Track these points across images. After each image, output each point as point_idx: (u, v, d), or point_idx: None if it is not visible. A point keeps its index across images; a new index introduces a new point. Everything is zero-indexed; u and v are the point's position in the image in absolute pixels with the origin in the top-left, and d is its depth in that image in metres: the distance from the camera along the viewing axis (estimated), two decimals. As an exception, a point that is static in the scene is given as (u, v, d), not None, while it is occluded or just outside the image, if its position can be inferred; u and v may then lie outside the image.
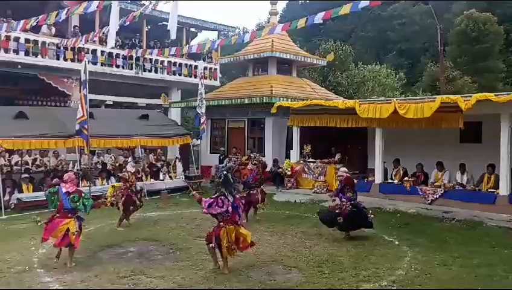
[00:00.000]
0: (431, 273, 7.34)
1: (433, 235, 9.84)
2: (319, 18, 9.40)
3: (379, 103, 13.65)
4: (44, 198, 8.45)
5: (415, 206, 12.42)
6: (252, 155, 12.65)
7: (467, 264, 7.79)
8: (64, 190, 7.87)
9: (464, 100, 11.49)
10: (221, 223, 7.33)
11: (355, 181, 10.19)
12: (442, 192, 12.64)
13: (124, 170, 11.89)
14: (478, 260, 7.99)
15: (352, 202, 9.47)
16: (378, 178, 14.13)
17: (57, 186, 8.09)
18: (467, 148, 13.27)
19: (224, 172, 7.71)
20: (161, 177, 16.53)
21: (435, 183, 13.08)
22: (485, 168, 12.32)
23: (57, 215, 7.87)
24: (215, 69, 24.61)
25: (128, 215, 11.09)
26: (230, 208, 7.28)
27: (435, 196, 12.71)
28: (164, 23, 23.16)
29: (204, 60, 23.33)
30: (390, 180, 14.21)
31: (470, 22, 36.12)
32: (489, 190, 12.03)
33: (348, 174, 9.76)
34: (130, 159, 14.90)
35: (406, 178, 13.55)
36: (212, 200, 7.30)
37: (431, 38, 39.29)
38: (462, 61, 35.98)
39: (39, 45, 18.23)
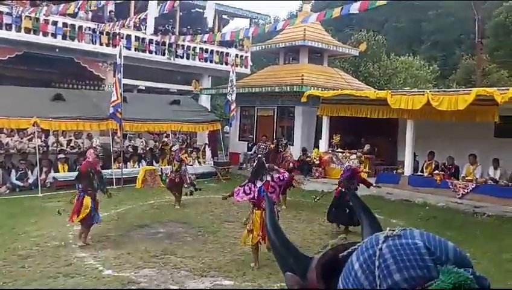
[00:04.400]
0: (459, 266, 7.29)
1: (462, 229, 9.74)
2: (355, 8, 9.31)
3: (411, 94, 13.47)
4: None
5: (444, 199, 12.27)
6: (282, 142, 12.71)
7: (497, 259, 7.70)
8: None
9: (501, 93, 11.23)
10: (253, 209, 7.37)
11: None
12: (473, 187, 12.42)
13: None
14: (509, 255, 7.89)
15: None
16: (407, 170, 13.99)
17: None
18: (501, 143, 12.97)
19: (259, 157, 7.78)
20: (190, 162, 16.79)
21: (467, 178, 12.86)
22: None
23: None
24: (246, 56, 24.64)
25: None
26: (256, 194, 7.31)
27: (466, 191, 12.51)
28: (197, 9, 23.37)
29: (235, 48, 23.43)
30: (420, 173, 14.05)
31: (509, 14, 34.90)
32: (522, 186, 11.78)
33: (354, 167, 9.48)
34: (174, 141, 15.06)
35: (436, 171, 13.38)
36: (238, 188, 7.35)
37: (467, 30, 38.18)
38: (499, 54, 34.88)
39: (76, 29, 18.65)
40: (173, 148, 12.34)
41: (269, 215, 0.98)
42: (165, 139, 14.70)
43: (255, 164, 7.60)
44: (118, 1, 12.60)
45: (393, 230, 0.67)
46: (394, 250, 0.64)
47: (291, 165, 11.80)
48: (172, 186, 11.42)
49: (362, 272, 0.65)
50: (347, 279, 0.68)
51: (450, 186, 12.79)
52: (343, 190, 9.15)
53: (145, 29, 12.84)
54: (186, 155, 11.74)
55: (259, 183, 7.34)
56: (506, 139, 12.99)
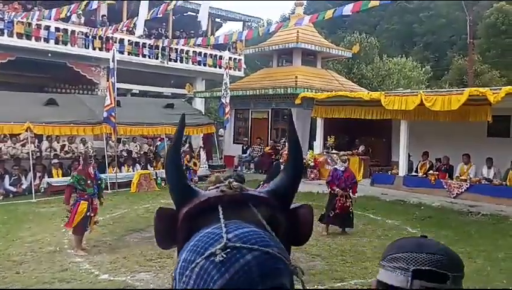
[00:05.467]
0: (455, 265, 7.31)
1: (457, 228, 9.78)
2: (347, 10, 9.36)
3: (405, 95, 13.55)
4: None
5: (439, 199, 12.33)
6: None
7: (492, 258, 7.74)
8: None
9: (493, 93, 11.32)
10: None
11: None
12: (467, 186, 12.49)
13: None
14: (503, 253, 7.93)
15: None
16: (402, 171, 14.04)
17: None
18: (495, 142, 13.06)
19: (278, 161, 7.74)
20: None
21: (461, 177, 12.93)
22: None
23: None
24: (240, 59, 24.65)
25: None
26: None
27: (460, 190, 12.58)
28: (190, 13, 23.36)
29: (229, 51, 23.44)
30: (414, 173, 14.11)
31: (499, 15, 35.22)
32: (516, 185, 11.86)
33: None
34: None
35: (430, 171, 13.44)
36: None
37: (458, 32, 38.48)
38: (490, 55, 35.19)
39: (69, 33, 18.57)
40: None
41: (176, 137, 0.94)
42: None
43: (272, 167, 7.52)
44: (111, 1, 12.51)
45: (227, 249, 0.65)
46: (199, 274, 0.64)
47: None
48: None
49: (179, 269, 0.68)
50: (180, 257, 0.70)
51: (445, 186, 12.85)
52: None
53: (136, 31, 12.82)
54: (188, 158, 11.66)
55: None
56: (499, 139, 13.10)
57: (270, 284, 0.64)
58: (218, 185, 0.83)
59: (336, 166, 9.46)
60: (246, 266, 0.63)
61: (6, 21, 16.67)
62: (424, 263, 0.93)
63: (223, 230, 0.69)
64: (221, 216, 0.73)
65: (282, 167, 6.66)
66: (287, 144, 11.85)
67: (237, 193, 0.79)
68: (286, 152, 11.40)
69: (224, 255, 0.64)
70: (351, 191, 9.18)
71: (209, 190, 0.83)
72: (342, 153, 9.87)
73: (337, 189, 8.99)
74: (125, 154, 16.36)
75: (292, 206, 0.84)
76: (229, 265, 0.63)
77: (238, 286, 0.62)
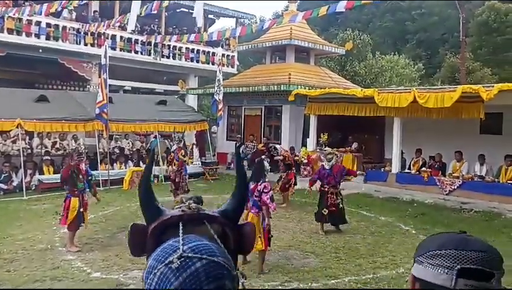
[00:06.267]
0: (449, 262, 7.33)
1: (450, 225, 9.81)
2: (341, 6, 9.32)
3: (398, 92, 13.55)
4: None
5: (432, 196, 12.36)
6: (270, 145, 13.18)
7: (485, 254, 7.76)
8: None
9: (486, 90, 11.35)
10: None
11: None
12: (460, 183, 12.52)
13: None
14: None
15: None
16: (395, 168, 14.06)
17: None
18: (487, 139, 13.11)
19: (261, 158, 7.64)
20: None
21: (453, 174, 12.97)
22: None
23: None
24: (233, 56, 24.57)
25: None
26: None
27: (453, 187, 12.60)
28: (183, 9, 23.23)
29: (222, 47, 23.34)
30: (407, 171, 14.14)
31: (491, 13, 35.45)
32: (508, 182, 11.90)
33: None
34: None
35: (423, 168, 13.47)
36: None
37: (450, 30, 38.72)
38: (482, 53, 35.41)
39: (60, 29, 18.38)
40: (172, 148, 12.37)
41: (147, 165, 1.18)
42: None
43: (255, 165, 7.39)
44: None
45: (181, 258, 0.81)
46: (159, 277, 0.80)
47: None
48: (176, 186, 11.51)
49: (146, 273, 0.84)
50: (147, 263, 0.86)
51: (437, 183, 12.88)
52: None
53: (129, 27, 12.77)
54: (183, 153, 11.78)
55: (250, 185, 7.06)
56: (492, 136, 13.16)
57: (214, 286, 0.80)
58: (180, 205, 1.00)
59: (323, 163, 9.55)
60: (196, 272, 0.80)
61: (-4, 16, 16.46)
62: (470, 261, 0.91)
63: (180, 243, 0.84)
64: (180, 231, 0.89)
65: (266, 164, 6.53)
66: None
67: (195, 213, 0.96)
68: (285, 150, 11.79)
69: (179, 263, 0.80)
70: (345, 178, 9.36)
71: (174, 209, 1.00)
72: (327, 151, 9.94)
73: (326, 186, 9.10)
74: (118, 151, 16.27)
75: (239, 223, 1.03)
76: (183, 271, 0.80)
77: (189, 287, 0.78)
